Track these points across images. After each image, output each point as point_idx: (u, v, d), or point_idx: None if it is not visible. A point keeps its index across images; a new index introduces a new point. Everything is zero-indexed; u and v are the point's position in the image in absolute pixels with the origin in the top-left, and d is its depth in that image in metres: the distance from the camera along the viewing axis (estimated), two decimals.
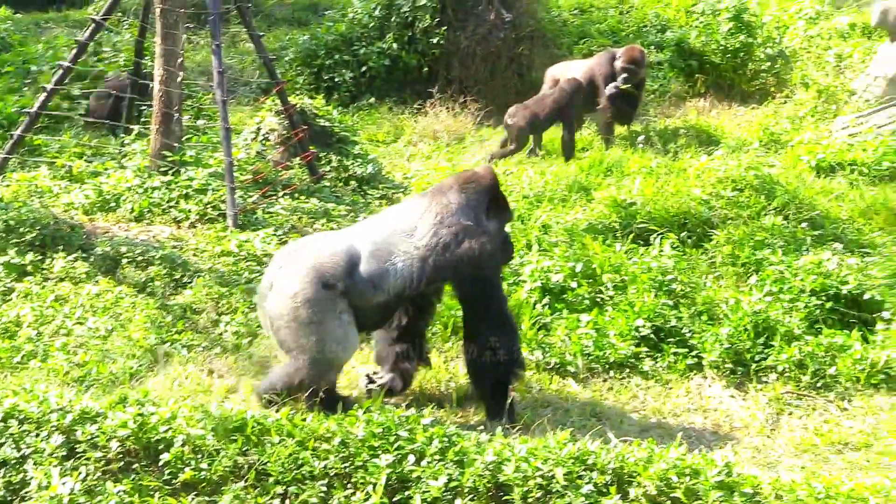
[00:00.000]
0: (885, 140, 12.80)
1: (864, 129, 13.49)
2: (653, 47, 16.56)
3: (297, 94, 13.84)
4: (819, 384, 7.86)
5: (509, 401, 7.05)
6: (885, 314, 8.41)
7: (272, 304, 6.75)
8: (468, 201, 7.08)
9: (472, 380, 7.17)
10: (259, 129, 11.95)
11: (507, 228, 7.58)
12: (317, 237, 7.41)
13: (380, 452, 5.66)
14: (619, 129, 14.05)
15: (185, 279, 8.87)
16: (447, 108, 14.58)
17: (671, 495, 5.56)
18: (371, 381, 7.45)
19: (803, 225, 9.99)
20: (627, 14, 18.54)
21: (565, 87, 13.42)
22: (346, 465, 5.65)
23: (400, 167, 12.70)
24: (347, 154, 11.96)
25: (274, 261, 7.03)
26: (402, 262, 6.87)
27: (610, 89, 13.45)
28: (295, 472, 5.61)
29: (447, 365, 7.98)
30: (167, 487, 5.63)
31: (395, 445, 5.69)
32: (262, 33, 12.27)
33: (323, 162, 11.66)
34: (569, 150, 13.17)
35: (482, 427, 6.84)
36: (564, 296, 8.66)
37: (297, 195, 10.78)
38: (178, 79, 10.70)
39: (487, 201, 7.17)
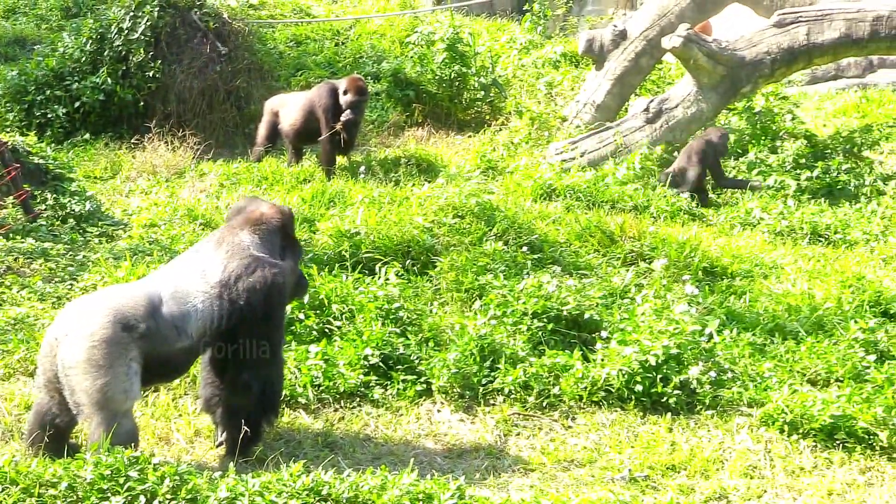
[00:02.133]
0: (597, 167, 13.31)
1: (576, 154, 13.99)
2: (370, 78, 16.72)
3: (8, 131, 13.39)
4: (544, 404, 8.09)
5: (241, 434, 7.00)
6: (604, 333, 8.71)
7: (65, 351, 6.39)
8: (261, 241, 7.06)
9: (225, 416, 7.08)
10: None
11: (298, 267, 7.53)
12: (111, 287, 7.25)
13: (109, 495, 5.55)
14: (341, 160, 14.13)
15: None
16: (165, 142, 14.35)
17: None
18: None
19: (523, 249, 10.23)
20: (343, 45, 18.67)
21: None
22: None
23: (119, 203, 12.44)
24: (64, 192, 11.63)
25: (62, 314, 6.72)
26: (202, 303, 6.74)
27: (347, 115, 13.49)
28: None
29: (175, 402, 7.86)
30: None
31: (125, 487, 5.58)
32: None
33: (38, 200, 11.32)
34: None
35: (215, 464, 6.77)
36: (293, 328, 8.63)
37: (11, 235, 10.43)
38: None
39: (280, 239, 7.17)
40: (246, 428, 6.87)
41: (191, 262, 6.98)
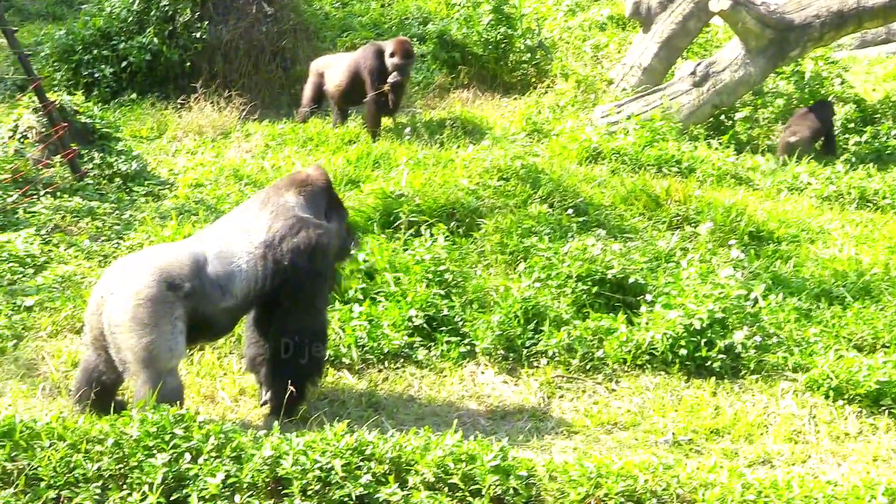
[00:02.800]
0: (642, 131, 13.23)
1: (622, 118, 13.92)
2: (415, 39, 16.66)
3: (56, 91, 13.42)
4: (588, 366, 8.09)
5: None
6: (648, 297, 8.70)
7: (111, 309, 6.42)
8: (306, 202, 7.08)
9: (270, 377, 7.11)
10: (17, 126, 11.56)
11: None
12: (157, 246, 7.25)
13: (155, 452, 5.57)
14: (385, 122, 14.12)
15: None
16: (211, 102, 14.37)
17: (448, 481, 5.65)
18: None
19: (568, 212, 10.23)
20: (389, 6, 18.62)
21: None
22: (121, 466, 5.53)
23: (165, 163, 12.48)
24: (110, 151, 11.69)
25: (108, 273, 6.72)
26: (246, 263, 6.76)
27: (393, 77, 13.46)
28: (67, 475, 5.47)
29: (221, 361, 7.91)
30: None
31: (171, 444, 5.61)
32: (14, 28, 11.82)
33: (85, 159, 11.37)
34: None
35: (260, 423, 6.82)
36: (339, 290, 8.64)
37: (59, 194, 10.50)
38: None
39: (326, 202, 7.19)
40: (291, 388, 6.90)
41: (236, 223, 7.00)
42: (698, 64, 14.58)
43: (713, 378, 8.02)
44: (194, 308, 6.56)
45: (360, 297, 8.63)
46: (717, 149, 13.56)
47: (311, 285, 6.97)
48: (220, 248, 6.78)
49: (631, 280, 8.84)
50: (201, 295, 6.58)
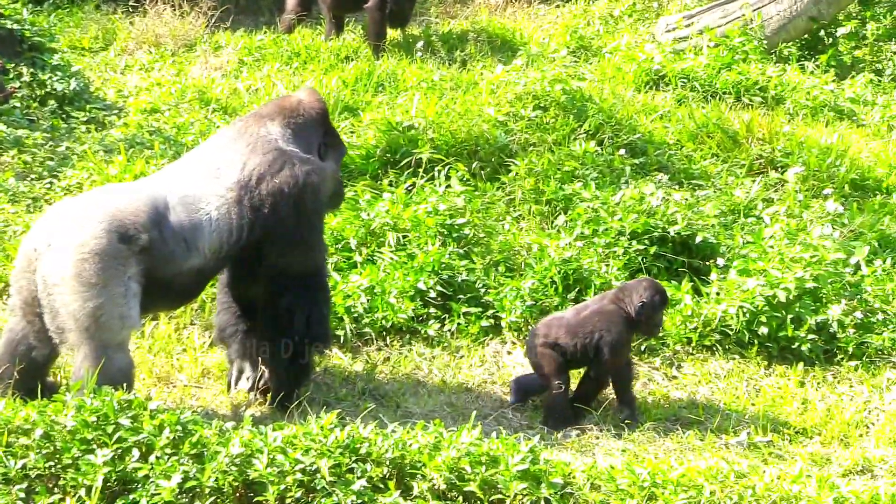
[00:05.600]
0: (718, 49, 13.18)
1: (693, 32, 13.85)
2: None
3: None
4: (643, 348, 8.12)
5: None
6: (720, 261, 8.70)
7: (47, 266, 6.43)
8: (294, 134, 7.09)
9: (262, 353, 7.18)
10: None
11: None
12: (106, 187, 7.25)
13: (95, 447, 5.60)
14: (393, 34, 14.09)
15: None
16: (172, 6, 14.36)
17: (464, 489, 5.69)
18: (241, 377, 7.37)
19: (621, 152, 10.20)
20: None
21: None
22: (52, 463, 5.58)
23: (113, 82, 12.50)
24: (44, 66, 11.69)
25: (43, 220, 6.74)
26: (217, 210, 6.75)
27: None
28: None
29: (179, 334, 7.95)
30: None
31: (115, 437, 5.64)
32: None
33: (11, 76, 11.39)
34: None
35: (227, 412, 6.86)
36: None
37: None
38: None
39: (320, 135, 7.21)
40: (287, 368, 6.99)
41: (204, 160, 6.99)
42: None
43: (801, 364, 8.05)
44: (152, 266, 6.56)
45: (357, 257, 8.63)
46: (812, 73, 13.50)
47: (301, 237, 6.99)
48: (185, 192, 6.77)
49: (699, 239, 8.85)
50: (161, 250, 6.58)
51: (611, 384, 7.46)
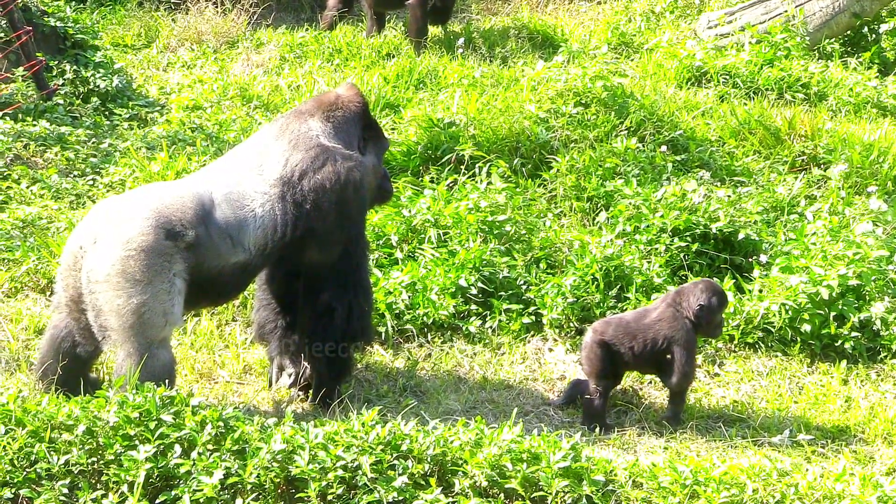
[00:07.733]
0: (760, 46, 13.13)
1: (735, 29, 13.81)
2: None
3: None
4: None
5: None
6: (763, 258, 8.66)
7: (93, 262, 6.45)
8: (335, 129, 7.08)
9: (303, 348, 7.19)
10: None
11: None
12: (152, 185, 7.25)
13: (137, 443, 5.62)
14: (434, 30, 14.08)
15: None
16: (214, 3, 14.39)
17: (505, 486, 5.68)
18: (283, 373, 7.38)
19: (663, 148, 10.17)
20: None
21: None
22: (94, 459, 5.60)
23: (155, 79, 12.54)
24: (87, 63, 11.73)
25: (90, 216, 6.74)
26: (261, 207, 6.77)
27: None
28: (27, 470, 5.54)
29: (221, 330, 7.96)
30: None
31: (157, 433, 5.65)
32: None
33: (54, 73, 11.44)
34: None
35: (269, 408, 6.86)
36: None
37: (21, 116, 10.56)
38: None
39: (360, 130, 7.20)
40: (328, 364, 6.99)
41: (248, 157, 7.00)
42: None
43: (844, 362, 8.00)
44: (197, 262, 6.59)
45: (398, 254, 8.64)
46: (855, 70, 13.43)
47: (343, 233, 7.00)
48: (229, 189, 6.79)
49: (741, 236, 8.82)
50: (206, 246, 6.61)
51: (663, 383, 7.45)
